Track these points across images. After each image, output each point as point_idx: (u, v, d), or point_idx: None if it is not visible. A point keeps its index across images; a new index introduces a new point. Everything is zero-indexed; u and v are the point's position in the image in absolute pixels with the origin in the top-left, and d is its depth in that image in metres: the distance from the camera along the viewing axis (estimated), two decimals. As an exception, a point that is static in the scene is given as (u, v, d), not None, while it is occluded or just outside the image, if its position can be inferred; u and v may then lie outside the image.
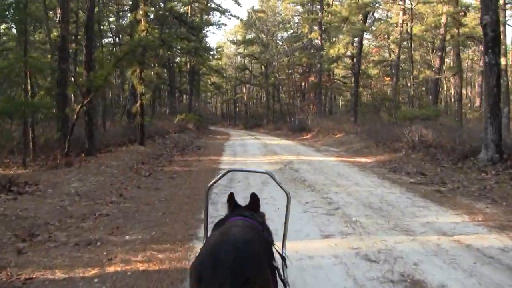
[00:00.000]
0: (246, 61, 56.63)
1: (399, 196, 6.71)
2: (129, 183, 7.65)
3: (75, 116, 9.84)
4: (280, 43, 37.16)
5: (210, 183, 2.28)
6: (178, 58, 32.57)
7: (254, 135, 27.67)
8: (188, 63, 31.11)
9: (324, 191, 7.14)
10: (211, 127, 38.07)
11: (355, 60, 25.12)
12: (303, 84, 33.46)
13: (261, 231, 1.90)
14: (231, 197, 2.15)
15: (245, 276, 1.46)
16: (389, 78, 33.17)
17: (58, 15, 11.59)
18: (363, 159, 11.94)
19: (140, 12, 12.06)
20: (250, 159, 12.03)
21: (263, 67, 50.45)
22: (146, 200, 6.44)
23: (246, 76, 56.39)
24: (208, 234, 2.07)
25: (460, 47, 24.26)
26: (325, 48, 27.50)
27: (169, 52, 25.38)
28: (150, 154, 11.46)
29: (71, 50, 14.25)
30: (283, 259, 2.08)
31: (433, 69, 24.53)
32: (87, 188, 6.89)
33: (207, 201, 2.39)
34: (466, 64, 35.05)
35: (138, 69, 11.44)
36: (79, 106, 9.95)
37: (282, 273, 1.91)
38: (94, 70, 10.39)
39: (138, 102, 11.90)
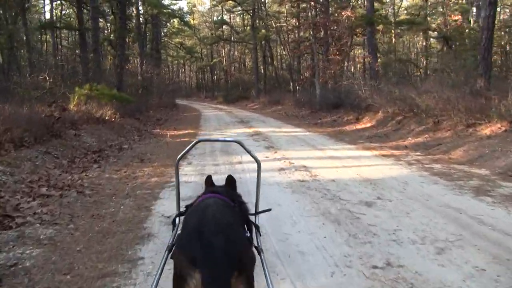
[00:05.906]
0: (224, 13, 42.81)
1: None
2: None
3: None
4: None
5: (180, 155, 2.19)
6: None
7: (245, 120, 14.72)
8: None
9: None
10: (181, 101, 30.35)
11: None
12: (317, 32, 19.75)
13: (231, 206, 1.89)
14: (208, 179, 2.18)
15: (238, 256, 1.50)
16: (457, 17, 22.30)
17: None
18: None
19: None
20: None
21: (248, 17, 36.65)
22: None
23: (225, 34, 43.10)
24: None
25: None
26: None
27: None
28: None
29: None
30: (257, 227, 2.07)
31: None
32: None
33: (178, 175, 2.27)
34: None
35: None
36: None
37: (256, 241, 1.95)
38: None
39: None
